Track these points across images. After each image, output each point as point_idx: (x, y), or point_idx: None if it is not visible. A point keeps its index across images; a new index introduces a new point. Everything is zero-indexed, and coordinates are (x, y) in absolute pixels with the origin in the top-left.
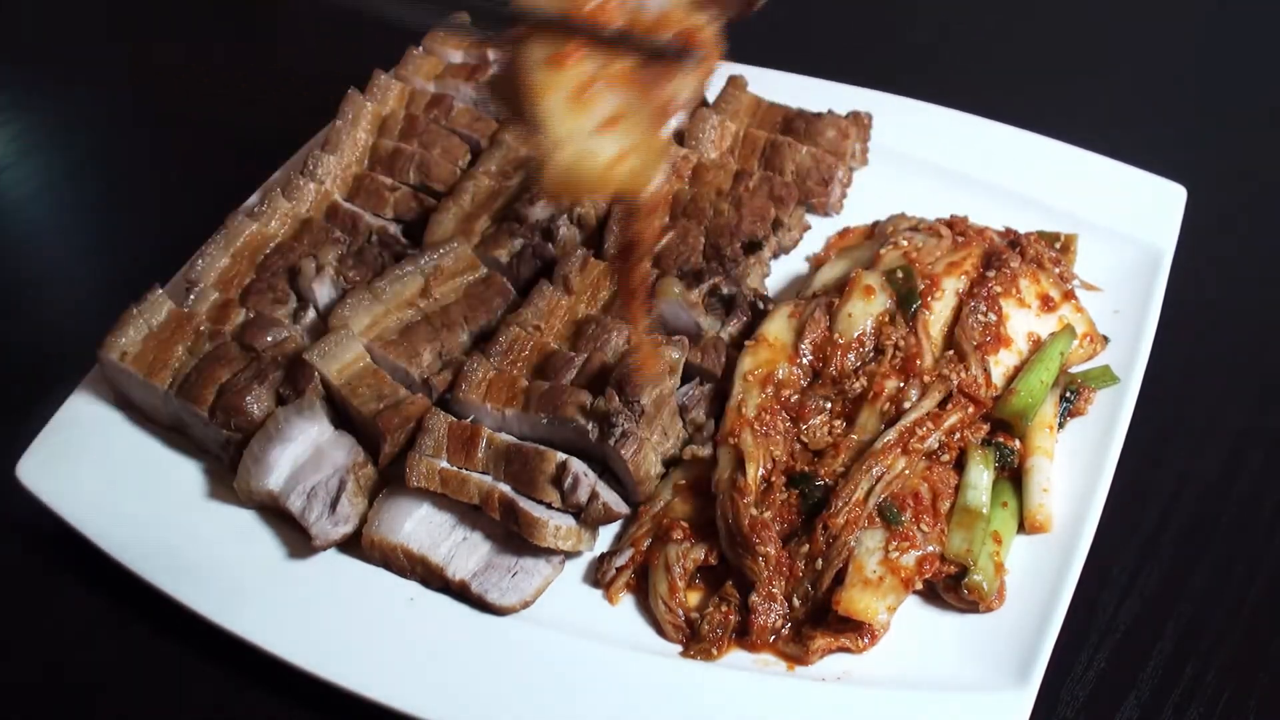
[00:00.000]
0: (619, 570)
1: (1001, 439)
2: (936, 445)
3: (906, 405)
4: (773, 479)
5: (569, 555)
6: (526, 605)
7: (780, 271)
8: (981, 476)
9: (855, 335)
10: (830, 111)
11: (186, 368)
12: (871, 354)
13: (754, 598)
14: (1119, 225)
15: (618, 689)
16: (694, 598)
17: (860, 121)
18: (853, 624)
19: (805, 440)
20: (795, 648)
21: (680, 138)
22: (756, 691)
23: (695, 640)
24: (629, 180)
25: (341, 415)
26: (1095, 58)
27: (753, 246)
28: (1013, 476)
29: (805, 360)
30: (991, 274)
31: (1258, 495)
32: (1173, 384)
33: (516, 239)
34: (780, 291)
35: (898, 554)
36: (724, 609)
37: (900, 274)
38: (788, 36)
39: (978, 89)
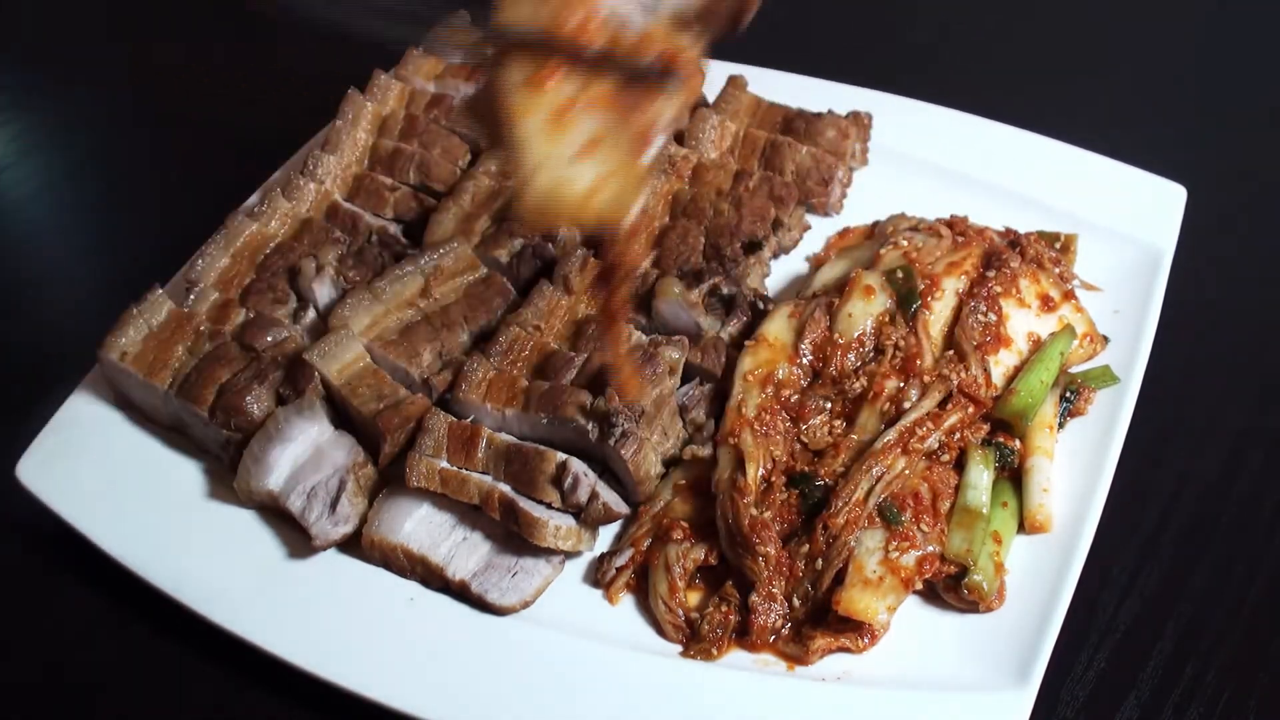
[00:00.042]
0: (619, 570)
1: (1001, 439)
2: (936, 445)
3: (906, 405)
4: (773, 479)
5: (569, 555)
6: (526, 605)
7: (780, 271)
8: (981, 476)
9: (855, 335)
10: (830, 111)
11: (186, 368)
12: (871, 354)
13: (754, 598)
14: (1119, 225)
15: (618, 689)
16: (694, 598)
17: (860, 121)
18: (853, 624)
19: (805, 440)
20: (795, 648)
21: (680, 138)
22: (756, 691)
23: (695, 640)
24: (607, 209)
25: (341, 415)
26: (1095, 58)
27: (753, 246)
28: (1013, 476)
29: (805, 360)
30: (991, 274)
31: (1258, 495)
32: (1173, 384)
33: (516, 239)
34: (780, 291)
35: (898, 554)
36: (724, 609)
37: (900, 274)
38: (788, 36)
39: (978, 89)
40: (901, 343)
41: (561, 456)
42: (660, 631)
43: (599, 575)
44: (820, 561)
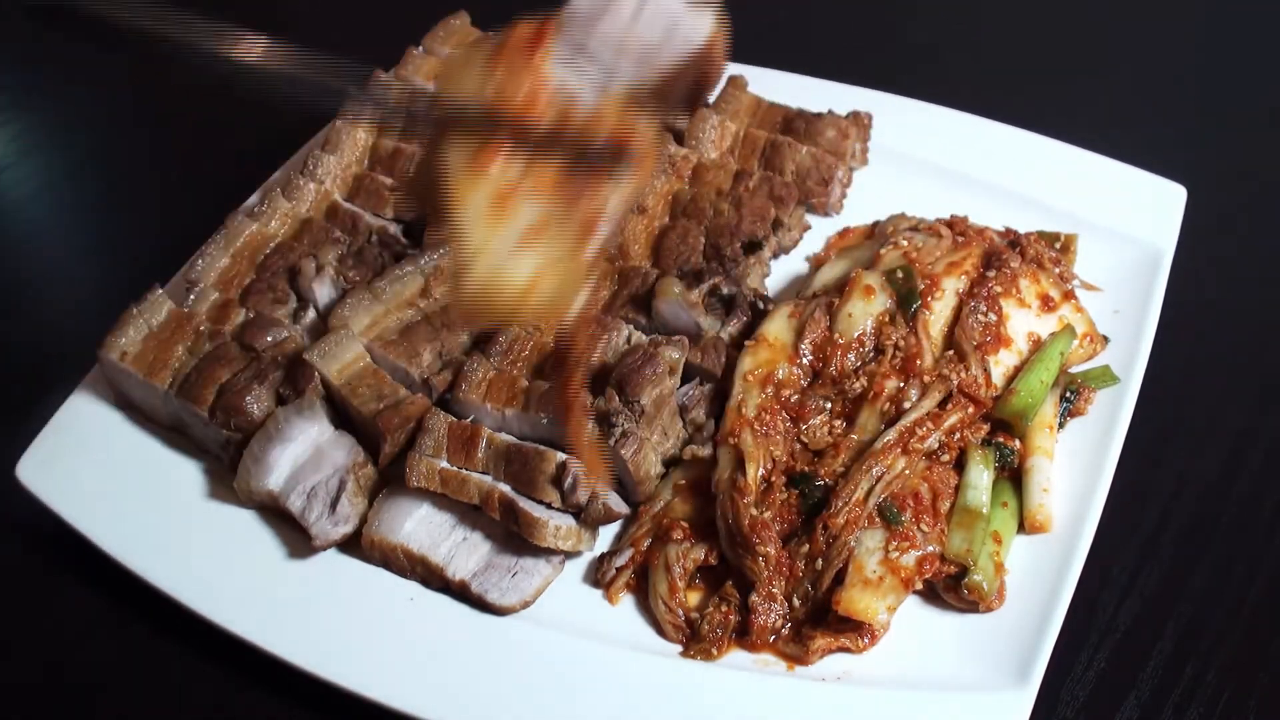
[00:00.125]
0: (619, 570)
1: (1001, 439)
2: (936, 445)
3: (906, 405)
4: (773, 479)
5: (569, 555)
6: (526, 605)
7: (780, 271)
8: (981, 476)
9: (855, 335)
10: (830, 111)
11: (186, 368)
12: (871, 354)
13: (754, 598)
14: (1119, 225)
15: (618, 689)
16: (694, 598)
17: (860, 121)
18: (853, 624)
19: (805, 440)
20: (795, 648)
21: (680, 137)
22: (756, 691)
23: (695, 640)
24: (545, 306)
25: (341, 415)
26: (1095, 58)
27: (753, 246)
28: (1013, 476)
29: (805, 360)
30: (991, 274)
31: (1258, 495)
32: (1173, 384)
33: None
34: (780, 291)
35: (898, 554)
36: (724, 609)
37: (900, 274)
38: (788, 36)
39: (978, 89)
40: (901, 343)
41: (561, 456)
42: (660, 631)
43: (599, 575)
44: (820, 561)
